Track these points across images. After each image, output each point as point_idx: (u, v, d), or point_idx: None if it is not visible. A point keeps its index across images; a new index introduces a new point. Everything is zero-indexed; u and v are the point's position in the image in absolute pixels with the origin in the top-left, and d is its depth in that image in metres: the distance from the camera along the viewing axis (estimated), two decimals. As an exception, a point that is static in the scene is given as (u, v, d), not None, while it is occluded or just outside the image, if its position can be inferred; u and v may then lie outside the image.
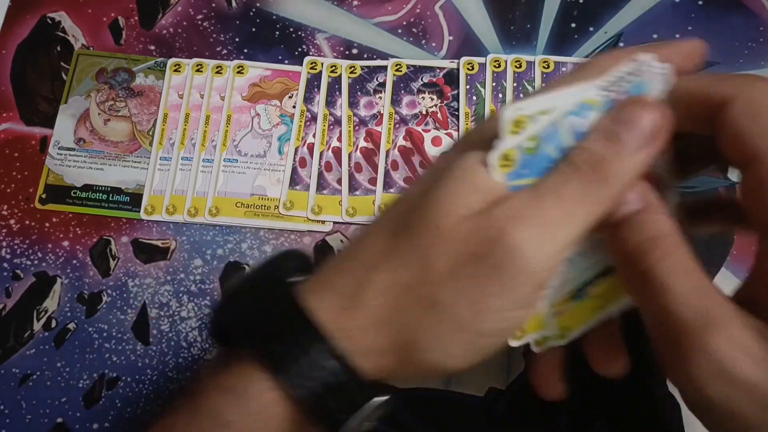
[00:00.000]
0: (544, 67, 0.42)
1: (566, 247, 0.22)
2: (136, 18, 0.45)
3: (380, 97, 0.42)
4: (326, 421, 0.24)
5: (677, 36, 0.43)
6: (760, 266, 0.23)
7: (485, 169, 0.23)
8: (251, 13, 0.45)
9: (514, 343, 0.25)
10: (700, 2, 0.44)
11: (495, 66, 0.42)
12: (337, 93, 0.42)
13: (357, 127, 0.42)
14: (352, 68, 0.43)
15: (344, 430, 0.24)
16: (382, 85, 0.43)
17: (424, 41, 0.44)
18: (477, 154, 0.23)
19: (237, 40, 0.44)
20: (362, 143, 0.41)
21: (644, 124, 0.22)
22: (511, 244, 0.21)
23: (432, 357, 0.23)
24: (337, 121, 0.42)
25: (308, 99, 0.42)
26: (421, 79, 0.43)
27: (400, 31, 0.44)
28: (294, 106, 0.42)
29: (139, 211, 0.40)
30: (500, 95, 0.42)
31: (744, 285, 0.23)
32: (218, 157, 0.41)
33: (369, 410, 0.24)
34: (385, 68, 0.43)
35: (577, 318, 0.27)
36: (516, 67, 0.42)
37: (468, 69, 0.42)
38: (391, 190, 0.40)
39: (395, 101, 0.42)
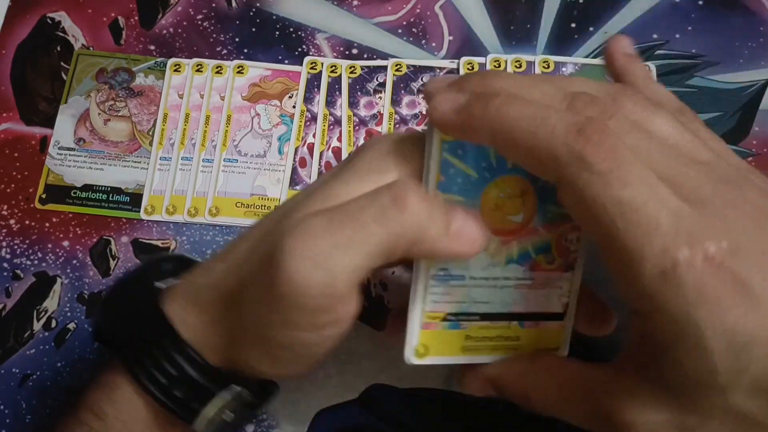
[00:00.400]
0: (544, 67, 0.42)
1: (344, 275, 0.21)
2: (136, 18, 0.45)
3: (380, 97, 0.42)
4: (180, 412, 0.25)
5: (677, 36, 0.43)
6: None
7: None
8: (251, 13, 0.45)
9: (414, 361, 0.26)
10: (700, 2, 0.44)
11: (495, 66, 0.42)
12: (337, 93, 0.42)
13: (357, 127, 0.42)
14: (352, 68, 0.43)
15: (200, 420, 0.25)
16: (382, 85, 0.43)
17: (424, 41, 0.44)
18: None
19: (237, 40, 0.44)
20: (362, 143, 0.41)
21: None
22: (283, 267, 0.21)
23: (248, 361, 0.25)
24: (337, 121, 0.42)
25: (308, 99, 0.42)
26: (421, 79, 0.43)
27: (400, 31, 0.44)
28: (294, 106, 0.42)
29: (139, 211, 0.40)
30: (500, 95, 0.42)
31: None
32: (218, 157, 0.41)
33: (224, 400, 0.26)
34: (385, 68, 0.43)
35: (449, 347, 0.26)
36: (516, 67, 0.42)
37: (468, 69, 0.42)
38: (391, 190, 0.40)
39: (395, 101, 0.42)
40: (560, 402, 0.25)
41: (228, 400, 0.26)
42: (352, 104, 0.42)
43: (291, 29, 0.44)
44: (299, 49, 0.44)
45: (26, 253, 0.40)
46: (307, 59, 0.43)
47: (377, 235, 0.21)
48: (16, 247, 0.40)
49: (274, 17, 0.45)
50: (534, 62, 0.42)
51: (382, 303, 0.38)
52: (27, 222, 0.40)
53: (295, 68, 0.43)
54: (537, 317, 0.27)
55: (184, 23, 0.44)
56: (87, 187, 0.41)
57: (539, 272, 0.26)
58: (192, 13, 0.45)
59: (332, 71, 0.43)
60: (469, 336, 0.26)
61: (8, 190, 0.41)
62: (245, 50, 0.44)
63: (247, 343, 0.25)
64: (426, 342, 0.26)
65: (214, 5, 0.45)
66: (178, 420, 0.25)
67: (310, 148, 0.41)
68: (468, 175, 0.24)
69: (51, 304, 0.39)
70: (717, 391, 0.19)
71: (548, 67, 0.42)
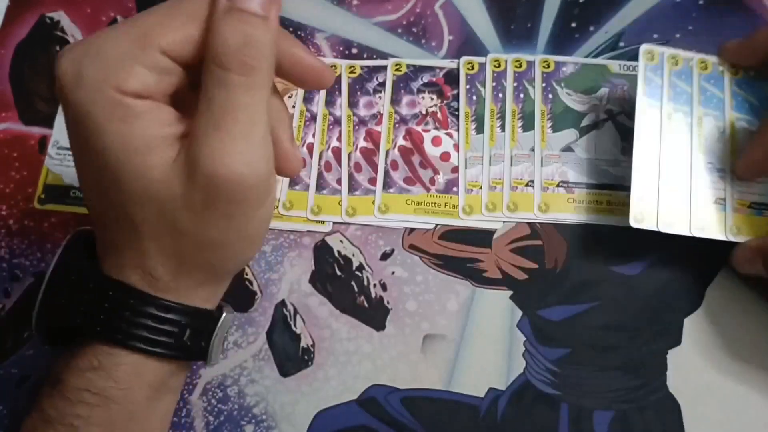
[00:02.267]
0: (544, 66, 0.42)
1: (261, 146, 0.25)
2: (136, 17, 0.45)
3: (380, 97, 0.42)
4: (196, 356, 0.28)
5: (677, 36, 0.43)
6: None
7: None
8: (251, 13, 0.45)
9: (731, 238, 0.36)
10: (701, 2, 0.44)
11: (495, 66, 0.42)
12: (337, 93, 0.42)
13: (357, 127, 0.42)
14: (352, 68, 0.43)
15: (213, 354, 0.29)
16: (382, 84, 0.42)
17: (424, 41, 0.44)
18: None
19: (236, 39, 0.44)
20: (362, 143, 0.41)
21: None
22: (217, 179, 0.24)
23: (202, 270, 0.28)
24: (337, 121, 0.42)
25: (308, 99, 0.42)
26: (421, 79, 0.43)
27: (399, 30, 0.44)
28: (293, 106, 0.42)
29: (138, 211, 0.40)
30: (500, 95, 0.42)
31: None
32: (218, 157, 0.41)
33: (226, 327, 0.30)
34: (384, 68, 0.43)
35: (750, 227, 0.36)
36: (516, 66, 0.42)
37: (468, 69, 0.42)
38: (391, 190, 0.40)
39: (395, 101, 0.42)
40: None
41: (225, 322, 0.29)
42: (352, 104, 0.42)
43: (290, 29, 0.44)
44: (299, 49, 0.44)
45: (25, 254, 0.40)
46: (306, 59, 0.43)
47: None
48: (15, 247, 0.40)
49: (274, 17, 0.45)
50: (534, 62, 0.42)
51: (382, 303, 0.38)
52: (26, 222, 0.40)
53: (295, 68, 0.43)
54: None
55: (184, 23, 0.44)
56: (86, 187, 0.41)
57: None
58: (191, 12, 0.45)
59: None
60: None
61: (7, 191, 0.41)
62: (245, 50, 0.44)
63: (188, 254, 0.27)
64: (737, 224, 0.36)
65: (213, 5, 0.45)
66: (190, 365, 0.29)
67: (310, 148, 0.41)
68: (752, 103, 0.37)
69: (50, 304, 0.39)
70: None
71: (548, 67, 0.42)
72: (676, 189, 0.36)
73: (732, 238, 0.36)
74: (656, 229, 0.36)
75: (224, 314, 0.30)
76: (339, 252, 0.39)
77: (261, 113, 0.25)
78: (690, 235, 0.36)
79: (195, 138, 0.24)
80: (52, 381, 0.27)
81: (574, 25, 0.44)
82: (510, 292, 0.38)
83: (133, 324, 0.26)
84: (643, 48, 0.38)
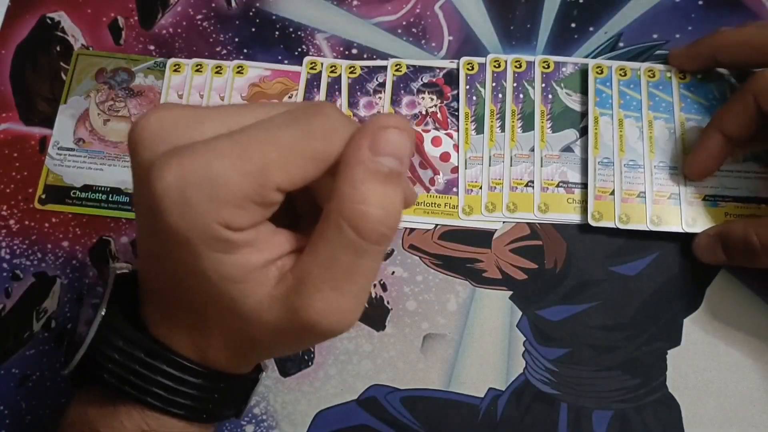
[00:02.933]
0: (544, 67, 0.42)
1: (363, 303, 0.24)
2: (136, 18, 0.45)
3: (380, 98, 0.42)
4: (230, 414, 0.29)
5: (677, 36, 0.43)
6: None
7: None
8: (251, 13, 0.45)
9: (688, 229, 0.38)
10: (700, 2, 0.44)
11: (495, 66, 0.42)
12: (337, 93, 0.42)
13: (357, 128, 0.42)
14: (352, 68, 0.43)
15: (246, 411, 0.30)
16: (382, 85, 0.43)
17: (423, 41, 0.44)
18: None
19: (237, 40, 0.44)
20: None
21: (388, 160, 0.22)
22: (312, 324, 0.23)
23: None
24: (337, 121, 0.42)
25: (308, 99, 0.42)
26: (421, 79, 0.43)
27: (399, 31, 0.44)
28: (294, 106, 0.42)
29: (138, 212, 0.40)
30: (500, 95, 0.42)
31: None
32: (218, 158, 0.41)
33: (257, 390, 0.30)
34: (384, 68, 0.43)
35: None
36: (516, 67, 0.42)
37: (468, 69, 0.42)
38: (391, 191, 0.40)
39: (395, 101, 0.42)
40: None
41: (262, 380, 0.30)
42: (352, 104, 0.42)
43: (291, 29, 0.44)
44: (299, 49, 0.44)
45: (26, 254, 0.40)
46: (306, 59, 0.43)
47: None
48: (15, 247, 0.40)
49: (274, 17, 0.45)
50: (534, 62, 0.42)
51: (382, 303, 0.38)
52: (26, 222, 0.40)
53: (295, 68, 0.43)
54: None
55: (184, 23, 0.44)
56: (86, 188, 0.41)
57: None
58: (191, 13, 0.45)
59: (332, 71, 0.43)
60: (728, 213, 0.38)
61: (8, 191, 0.41)
62: (245, 50, 0.44)
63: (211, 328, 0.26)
64: (693, 215, 0.38)
65: (213, 5, 0.45)
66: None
67: (310, 148, 0.41)
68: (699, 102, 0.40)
69: (50, 304, 0.39)
70: None
71: (548, 67, 0.42)
72: (631, 188, 0.39)
73: (688, 230, 0.38)
74: (614, 226, 0.38)
75: (262, 373, 0.30)
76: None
77: (377, 272, 0.24)
78: (647, 229, 0.38)
79: (305, 288, 0.23)
80: (85, 428, 0.27)
81: (573, 25, 0.44)
82: (509, 292, 0.38)
83: (187, 396, 0.26)
84: (592, 63, 0.41)
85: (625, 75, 0.41)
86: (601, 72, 0.41)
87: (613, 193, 0.39)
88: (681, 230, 0.38)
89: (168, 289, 0.25)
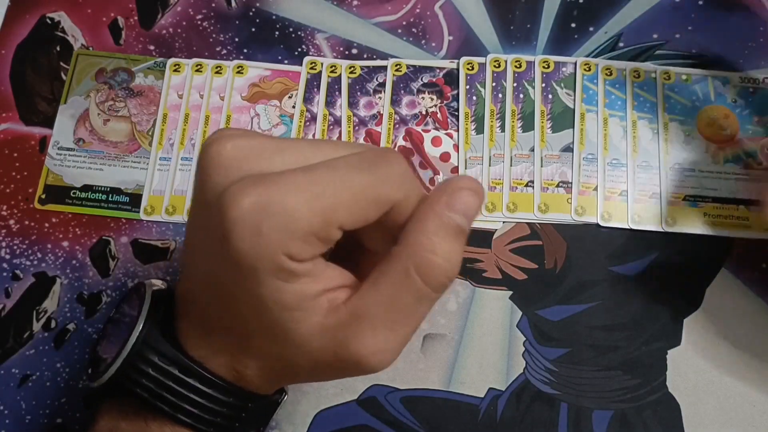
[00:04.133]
0: (544, 67, 0.42)
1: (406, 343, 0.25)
2: (136, 18, 0.45)
3: (380, 97, 0.42)
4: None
5: (677, 36, 0.43)
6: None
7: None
8: (251, 13, 0.45)
9: (666, 228, 0.39)
10: (700, 2, 0.44)
11: (495, 66, 0.42)
12: (337, 93, 0.42)
13: (357, 128, 0.42)
14: (352, 68, 0.43)
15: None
16: (382, 85, 0.43)
17: (423, 41, 0.44)
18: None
19: (236, 40, 0.44)
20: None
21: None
22: (358, 360, 0.24)
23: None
24: (337, 122, 0.42)
25: (308, 99, 0.42)
26: (421, 79, 0.43)
27: (399, 31, 0.44)
28: (294, 107, 0.42)
29: (138, 212, 0.40)
30: (500, 95, 0.42)
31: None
32: (218, 158, 0.41)
33: (275, 412, 0.30)
34: (384, 68, 0.43)
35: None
36: (516, 67, 0.42)
37: (468, 69, 0.42)
38: (391, 191, 0.40)
39: (395, 101, 0.42)
40: None
41: (280, 405, 0.30)
42: (352, 104, 0.42)
43: (291, 29, 0.44)
44: (299, 49, 0.44)
45: (26, 254, 0.40)
46: (306, 59, 0.43)
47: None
48: (15, 247, 0.40)
49: (274, 17, 0.45)
50: (534, 62, 0.42)
51: (382, 303, 0.38)
52: (26, 222, 0.40)
53: (295, 68, 0.43)
54: (758, 203, 0.39)
55: (184, 23, 0.44)
56: (86, 188, 0.41)
57: (752, 170, 0.40)
58: (191, 13, 0.45)
59: (332, 71, 0.43)
60: (707, 213, 0.39)
61: (8, 191, 0.41)
62: (245, 50, 0.44)
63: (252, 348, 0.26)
64: (673, 215, 0.39)
65: (213, 5, 0.45)
66: None
67: (310, 148, 0.41)
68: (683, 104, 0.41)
69: (50, 304, 0.39)
70: None
71: (548, 67, 0.42)
72: (614, 186, 0.39)
73: (668, 229, 0.39)
74: (596, 223, 0.39)
75: (285, 395, 0.30)
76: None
77: (425, 318, 0.25)
78: (628, 227, 0.39)
79: (360, 324, 0.24)
80: None
81: (573, 25, 0.44)
82: (510, 292, 0.38)
83: (218, 414, 0.26)
84: (580, 60, 0.42)
85: (611, 74, 0.42)
86: (589, 69, 0.42)
87: (596, 189, 0.39)
88: (661, 229, 0.39)
89: (215, 311, 0.25)
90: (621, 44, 0.43)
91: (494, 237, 0.39)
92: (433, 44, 0.44)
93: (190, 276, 0.27)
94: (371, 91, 0.42)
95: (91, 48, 0.44)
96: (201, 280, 0.26)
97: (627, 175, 0.40)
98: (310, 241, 0.22)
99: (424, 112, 0.42)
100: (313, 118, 0.42)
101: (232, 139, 0.24)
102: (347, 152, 0.24)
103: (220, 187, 0.23)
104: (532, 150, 0.40)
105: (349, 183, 0.23)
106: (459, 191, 0.24)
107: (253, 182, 0.22)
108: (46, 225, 0.40)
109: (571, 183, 0.40)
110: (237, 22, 0.44)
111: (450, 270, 0.24)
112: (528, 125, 0.41)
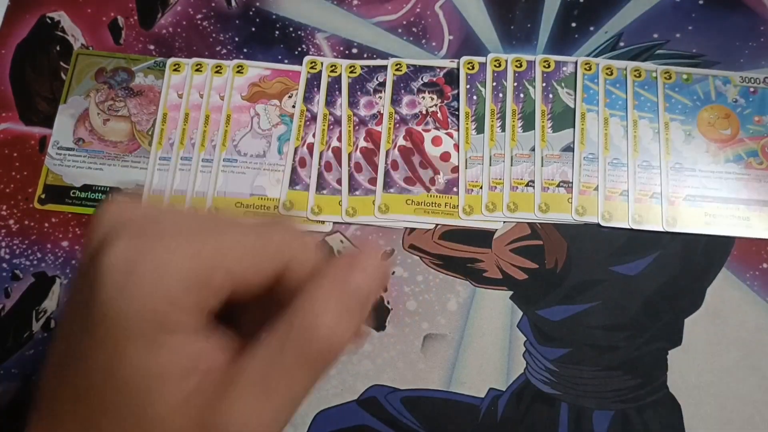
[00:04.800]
0: (544, 66, 0.42)
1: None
2: (136, 18, 0.45)
3: (380, 97, 0.42)
4: None
5: (677, 36, 0.43)
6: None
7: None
8: (251, 13, 0.45)
9: (667, 228, 0.39)
10: (701, 2, 0.44)
11: (495, 65, 0.42)
12: (337, 93, 0.42)
13: (357, 127, 0.42)
14: (352, 68, 0.43)
15: None
16: (382, 84, 0.42)
17: (424, 41, 0.44)
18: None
19: (236, 39, 0.44)
20: (362, 143, 0.41)
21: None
22: None
23: None
24: (337, 121, 0.42)
25: (308, 99, 0.42)
26: (421, 79, 0.43)
27: (400, 30, 0.44)
28: (294, 106, 0.42)
29: (138, 211, 0.40)
30: (500, 95, 0.42)
31: None
32: (218, 157, 0.41)
33: None
34: (385, 68, 0.43)
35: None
36: (516, 66, 0.42)
37: (468, 68, 0.42)
38: (391, 190, 0.40)
39: (395, 101, 0.42)
40: None
41: None
42: (352, 104, 0.42)
43: (291, 29, 0.44)
44: (299, 49, 0.44)
45: (25, 254, 0.40)
46: (306, 59, 0.43)
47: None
48: (15, 247, 0.40)
49: (274, 17, 0.45)
50: (534, 62, 0.42)
51: (382, 303, 0.38)
52: (26, 222, 0.40)
53: (295, 68, 0.43)
54: (759, 203, 0.39)
55: (184, 23, 0.44)
56: (86, 187, 0.41)
57: (752, 170, 0.40)
58: (191, 12, 0.45)
59: (332, 71, 0.43)
60: (707, 213, 0.39)
61: (7, 190, 0.41)
62: (245, 50, 0.44)
63: None
64: (673, 215, 0.39)
65: (213, 5, 0.45)
66: None
67: (310, 147, 0.41)
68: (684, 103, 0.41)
69: (50, 304, 0.39)
70: None
71: (549, 66, 0.42)
72: (615, 185, 0.40)
73: (669, 229, 0.39)
74: (596, 222, 0.39)
75: None
76: (339, 252, 0.39)
77: (308, 394, 0.22)
78: (628, 227, 0.39)
79: (228, 393, 0.21)
80: None
81: (574, 25, 0.44)
82: (510, 292, 0.38)
83: None
84: (581, 60, 0.42)
85: (612, 74, 0.42)
86: (590, 69, 0.42)
87: (597, 189, 0.39)
88: (661, 229, 0.39)
89: (66, 395, 0.22)
90: (621, 44, 0.43)
91: (495, 237, 0.39)
92: (434, 44, 0.44)
93: (51, 360, 0.23)
94: (371, 90, 0.42)
95: (91, 48, 0.44)
96: (61, 357, 0.22)
97: (628, 174, 0.40)
98: (191, 287, 0.20)
99: (424, 112, 0.42)
100: (313, 118, 0.42)
101: (117, 199, 0.22)
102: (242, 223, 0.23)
103: (100, 238, 0.21)
104: (533, 150, 0.40)
105: (238, 229, 0.21)
106: (364, 262, 0.22)
107: (129, 229, 0.20)
108: (46, 225, 0.40)
109: (572, 183, 0.40)
110: (237, 22, 0.44)
111: (334, 337, 0.21)
112: (528, 125, 0.41)
